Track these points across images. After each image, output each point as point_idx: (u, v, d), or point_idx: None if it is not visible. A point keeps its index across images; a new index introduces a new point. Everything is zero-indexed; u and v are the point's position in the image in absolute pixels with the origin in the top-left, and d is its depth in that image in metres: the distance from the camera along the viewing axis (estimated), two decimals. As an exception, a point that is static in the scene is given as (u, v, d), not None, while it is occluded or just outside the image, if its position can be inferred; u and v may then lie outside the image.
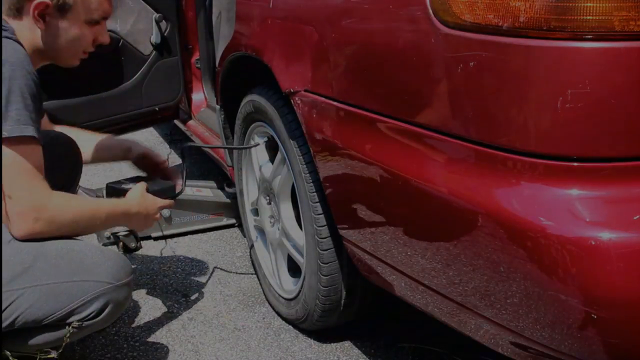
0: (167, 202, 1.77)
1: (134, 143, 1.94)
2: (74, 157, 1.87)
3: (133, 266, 2.29)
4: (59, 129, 1.89)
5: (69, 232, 1.49)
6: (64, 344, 1.44)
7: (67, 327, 1.43)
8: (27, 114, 1.35)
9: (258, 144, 1.94)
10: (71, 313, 1.41)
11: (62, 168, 1.82)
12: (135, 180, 1.78)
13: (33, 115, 1.37)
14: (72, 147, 1.86)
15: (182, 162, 1.93)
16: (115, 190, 1.74)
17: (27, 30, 1.45)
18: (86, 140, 1.89)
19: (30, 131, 1.35)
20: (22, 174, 1.36)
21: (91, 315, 1.43)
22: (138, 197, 1.67)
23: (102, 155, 1.93)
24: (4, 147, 1.33)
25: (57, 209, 1.43)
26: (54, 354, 1.47)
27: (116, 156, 1.96)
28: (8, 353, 1.42)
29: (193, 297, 2.10)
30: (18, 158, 1.35)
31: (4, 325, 1.37)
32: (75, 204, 1.51)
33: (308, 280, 1.72)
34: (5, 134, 1.32)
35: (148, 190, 1.71)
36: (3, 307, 1.36)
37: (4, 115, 1.31)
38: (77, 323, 1.43)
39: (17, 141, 1.34)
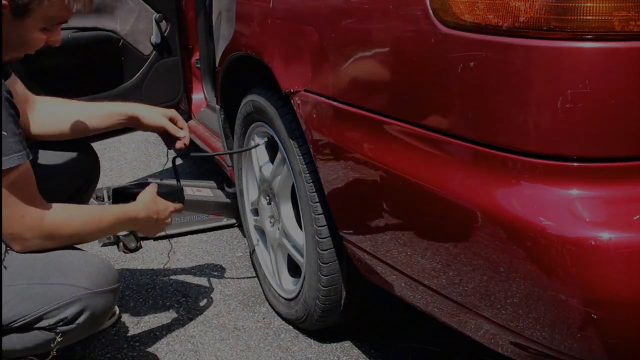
0: (177, 206, 1.73)
1: (140, 112, 1.77)
2: (92, 164, 1.85)
3: (132, 265, 2.30)
4: (42, 100, 1.75)
5: (73, 243, 1.46)
6: (51, 355, 1.39)
7: (39, 333, 1.37)
8: (16, 140, 1.32)
9: (258, 144, 1.94)
10: (42, 317, 1.36)
11: (77, 174, 1.80)
12: (142, 185, 1.74)
13: (19, 136, 1.33)
14: (90, 154, 1.84)
15: (174, 169, 1.88)
16: (121, 194, 1.71)
17: None
18: (76, 109, 1.76)
19: (18, 159, 1.32)
20: (11, 200, 1.34)
21: (64, 321, 1.37)
22: (148, 201, 1.63)
23: (100, 124, 1.78)
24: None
25: (54, 225, 1.41)
26: None
27: (118, 125, 1.80)
28: None
29: (193, 297, 2.10)
30: (7, 186, 1.32)
31: None
32: (76, 216, 1.47)
33: (308, 280, 1.72)
34: None
35: (158, 193, 1.67)
36: None
37: None
38: (52, 331, 1.38)
39: (7, 172, 1.31)
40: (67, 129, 1.74)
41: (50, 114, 1.73)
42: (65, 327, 1.39)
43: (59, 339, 1.39)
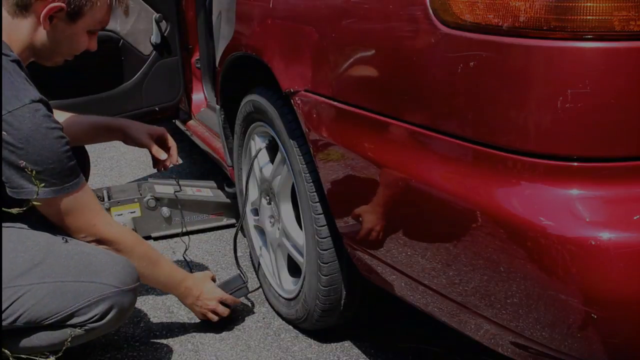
0: (228, 296, 1.83)
1: (126, 127, 1.84)
2: (82, 162, 1.86)
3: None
4: None
5: (141, 266, 1.58)
6: (64, 347, 1.43)
7: (68, 330, 1.42)
8: (67, 173, 1.40)
9: (260, 149, 1.93)
10: (74, 314, 1.41)
11: None
12: None
13: (70, 169, 1.41)
14: (80, 150, 1.85)
15: (240, 276, 1.96)
16: None
17: (27, 28, 1.43)
18: (66, 120, 1.82)
19: (72, 187, 1.42)
20: (77, 213, 1.47)
21: (94, 318, 1.42)
22: (200, 278, 1.76)
23: (87, 136, 1.86)
24: (57, 201, 1.41)
25: (116, 236, 1.55)
26: (52, 358, 1.46)
27: (104, 139, 1.93)
28: (8, 353, 1.42)
29: (193, 297, 2.10)
30: (67, 207, 1.44)
31: (7, 322, 1.37)
32: (141, 248, 1.62)
33: (308, 280, 1.72)
34: (57, 194, 1.40)
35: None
36: (9, 303, 1.36)
37: (47, 180, 1.36)
38: (82, 327, 1.43)
39: (65, 194, 1.41)
40: None
41: None
42: (93, 324, 1.44)
43: (81, 333, 1.44)
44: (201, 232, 2.59)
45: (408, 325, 1.89)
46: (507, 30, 1.00)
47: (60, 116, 1.78)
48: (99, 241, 1.52)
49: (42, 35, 1.45)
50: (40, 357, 1.46)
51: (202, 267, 2.31)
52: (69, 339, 1.42)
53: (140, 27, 2.54)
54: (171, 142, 1.86)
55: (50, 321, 1.40)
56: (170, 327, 1.93)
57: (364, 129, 1.31)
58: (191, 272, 2.23)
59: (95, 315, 1.42)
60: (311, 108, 1.46)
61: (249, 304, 2.05)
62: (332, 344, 1.83)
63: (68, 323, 1.42)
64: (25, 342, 1.43)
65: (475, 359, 1.67)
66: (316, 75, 1.44)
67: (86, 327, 1.43)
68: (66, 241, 1.47)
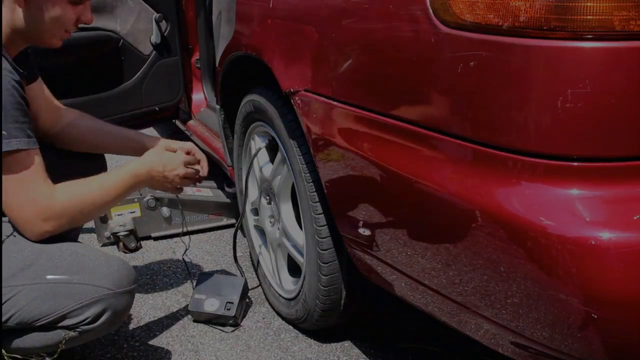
0: (191, 157, 1.69)
1: (151, 142, 1.81)
2: (100, 162, 1.87)
3: (133, 265, 2.30)
4: (66, 110, 1.80)
5: (86, 218, 1.48)
6: (59, 350, 1.42)
7: (62, 332, 1.41)
8: (16, 127, 1.33)
9: (260, 148, 1.94)
10: (66, 316, 1.39)
11: (87, 172, 1.82)
12: None
13: (21, 124, 1.34)
14: (100, 157, 1.86)
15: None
16: None
17: (6, 10, 1.39)
18: (97, 126, 1.82)
19: (14, 144, 1.33)
20: (17, 184, 1.36)
21: (87, 321, 1.41)
22: (151, 154, 1.62)
23: (114, 146, 1.84)
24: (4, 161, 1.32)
25: (63, 203, 1.42)
26: (48, 359, 1.45)
27: (130, 151, 1.86)
28: (4, 352, 1.42)
29: (193, 297, 2.10)
30: (8, 171, 1.34)
31: None
32: (80, 191, 1.47)
33: (308, 280, 1.72)
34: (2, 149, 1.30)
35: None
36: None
37: None
38: (75, 329, 1.41)
39: (10, 152, 1.33)
40: (85, 143, 1.79)
41: (74, 126, 1.78)
42: (86, 327, 1.42)
43: (75, 336, 1.42)
44: (201, 232, 2.59)
45: (408, 325, 1.89)
46: (507, 30, 1.00)
47: (95, 122, 1.79)
48: (45, 219, 1.40)
49: (21, 14, 1.39)
50: (36, 359, 1.45)
51: (202, 267, 2.31)
52: (63, 341, 1.41)
53: (140, 27, 2.54)
54: (200, 155, 1.83)
55: (42, 322, 1.38)
56: (170, 327, 1.93)
57: (364, 129, 1.31)
58: (189, 273, 2.24)
59: (87, 318, 1.40)
60: (311, 108, 1.46)
61: (249, 304, 2.05)
62: (332, 344, 1.83)
63: (60, 325, 1.40)
64: (19, 343, 1.42)
65: (475, 359, 1.67)
66: (316, 75, 1.44)
67: (79, 330, 1.41)
68: (60, 241, 1.45)
